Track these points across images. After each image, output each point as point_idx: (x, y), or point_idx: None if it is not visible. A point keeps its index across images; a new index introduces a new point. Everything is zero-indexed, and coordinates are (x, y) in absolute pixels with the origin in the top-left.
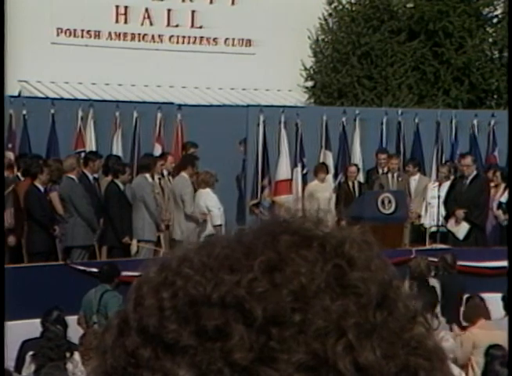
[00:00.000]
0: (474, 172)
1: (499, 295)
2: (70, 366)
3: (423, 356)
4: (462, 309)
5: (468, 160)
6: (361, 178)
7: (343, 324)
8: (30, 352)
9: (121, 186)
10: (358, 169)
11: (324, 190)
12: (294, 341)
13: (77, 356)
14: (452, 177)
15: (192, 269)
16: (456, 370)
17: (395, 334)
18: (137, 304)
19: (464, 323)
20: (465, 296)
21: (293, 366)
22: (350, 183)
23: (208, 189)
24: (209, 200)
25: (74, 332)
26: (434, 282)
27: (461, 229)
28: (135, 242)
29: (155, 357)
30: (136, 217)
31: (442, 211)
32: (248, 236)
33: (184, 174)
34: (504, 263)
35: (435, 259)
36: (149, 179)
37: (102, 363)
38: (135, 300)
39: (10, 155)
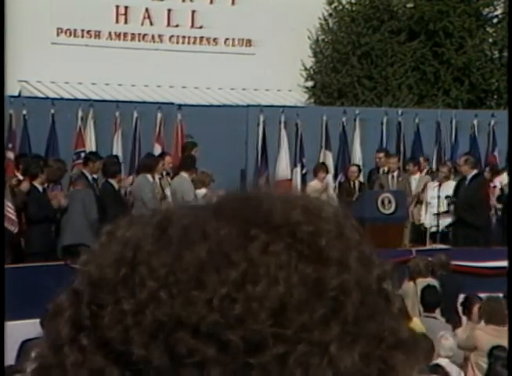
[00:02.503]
0: (474, 172)
1: (499, 295)
2: None
3: (400, 349)
4: (478, 306)
5: (461, 160)
6: (361, 178)
7: (324, 341)
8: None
9: (115, 185)
10: (360, 169)
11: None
12: (275, 370)
13: None
14: (452, 177)
15: (156, 281)
16: (455, 369)
17: (372, 334)
18: (91, 303)
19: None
20: (463, 295)
21: None
22: (351, 183)
23: (204, 190)
24: None
25: None
26: (433, 282)
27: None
28: None
29: None
30: None
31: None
32: (218, 232)
33: (183, 174)
34: (504, 263)
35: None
36: (150, 179)
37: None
38: (91, 298)
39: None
